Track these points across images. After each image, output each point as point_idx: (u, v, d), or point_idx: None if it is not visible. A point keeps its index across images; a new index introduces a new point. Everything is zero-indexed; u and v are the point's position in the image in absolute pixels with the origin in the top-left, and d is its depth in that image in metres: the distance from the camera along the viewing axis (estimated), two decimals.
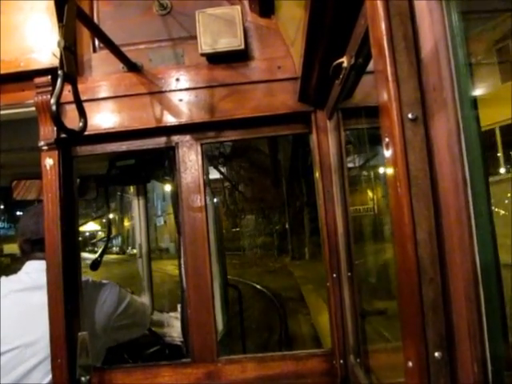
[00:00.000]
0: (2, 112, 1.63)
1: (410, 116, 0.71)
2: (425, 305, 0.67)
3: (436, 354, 0.66)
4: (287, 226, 20.25)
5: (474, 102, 0.66)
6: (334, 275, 1.57)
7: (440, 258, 0.68)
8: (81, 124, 1.29)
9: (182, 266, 1.70)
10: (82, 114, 1.30)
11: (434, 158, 0.70)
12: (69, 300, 1.58)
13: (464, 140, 0.65)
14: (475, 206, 0.63)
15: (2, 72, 1.58)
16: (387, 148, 0.75)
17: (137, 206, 2.89)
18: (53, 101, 1.16)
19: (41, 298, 1.58)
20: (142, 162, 2.43)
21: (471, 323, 0.62)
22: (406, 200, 0.70)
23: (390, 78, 0.73)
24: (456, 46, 0.68)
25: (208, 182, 2.74)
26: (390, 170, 0.74)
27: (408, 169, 0.70)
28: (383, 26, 0.74)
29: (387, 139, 0.75)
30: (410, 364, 0.69)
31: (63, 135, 1.62)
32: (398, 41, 0.73)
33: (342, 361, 1.53)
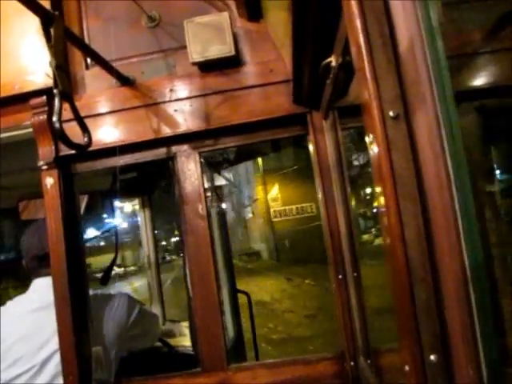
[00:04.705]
0: (1, 135, 1.65)
1: (391, 114, 0.69)
2: (417, 306, 0.66)
3: (432, 357, 0.64)
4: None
5: (454, 95, 0.64)
6: (340, 276, 1.55)
7: (430, 257, 0.66)
8: (86, 139, 1.31)
9: (188, 274, 1.70)
10: (85, 128, 1.32)
11: (418, 155, 0.68)
12: (77, 315, 1.59)
13: (445, 135, 0.63)
14: (460, 202, 0.61)
15: None
16: (371, 147, 0.73)
17: (143, 217, 2.90)
18: (55, 119, 1.17)
19: (50, 316, 1.59)
20: (145, 174, 2.45)
21: (464, 324, 0.60)
22: (392, 199, 0.69)
23: (368, 76, 0.71)
24: (432, 40, 0.66)
25: (214, 189, 2.74)
26: (375, 170, 0.73)
27: (393, 168, 0.69)
28: (359, 24, 0.73)
29: (371, 138, 0.73)
30: (407, 368, 0.68)
31: (62, 153, 1.64)
32: (374, 38, 0.72)
33: (352, 363, 1.51)
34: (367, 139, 0.74)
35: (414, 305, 0.66)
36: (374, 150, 0.72)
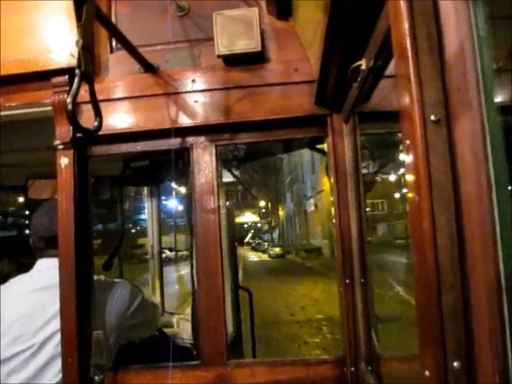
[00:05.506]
0: (20, 111, 1.64)
1: (432, 118, 0.69)
2: (444, 312, 0.65)
3: (455, 364, 0.64)
4: None
5: (501, 104, 0.64)
6: (347, 281, 1.55)
7: (461, 264, 0.66)
8: (96, 123, 1.30)
9: (194, 267, 1.69)
10: (98, 113, 1.31)
11: (456, 161, 0.68)
12: (81, 299, 1.58)
13: (490, 143, 0.63)
14: (500, 211, 0.61)
15: (21, 71, 1.60)
16: (408, 151, 0.73)
17: (150, 207, 2.89)
18: (69, 99, 1.17)
19: (53, 297, 1.58)
20: (156, 163, 2.44)
21: (493, 332, 0.60)
22: (426, 204, 0.68)
23: (412, 80, 0.71)
24: (482, 47, 0.66)
25: (221, 185, 2.74)
26: (410, 174, 0.73)
27: (430, 172, 0.69)
28: (406, 25, 0.72)
29: (408, 142, 0.73)
30: (427, 373, 0.67)
31: (79, 135, 1.63)
32: (421, 41, 0.72)
33: (353, 368, 1.50)
34: (405, 142, 0.74)
35: (440, 310, 0.66)
36: (411, 152, 0.71)
